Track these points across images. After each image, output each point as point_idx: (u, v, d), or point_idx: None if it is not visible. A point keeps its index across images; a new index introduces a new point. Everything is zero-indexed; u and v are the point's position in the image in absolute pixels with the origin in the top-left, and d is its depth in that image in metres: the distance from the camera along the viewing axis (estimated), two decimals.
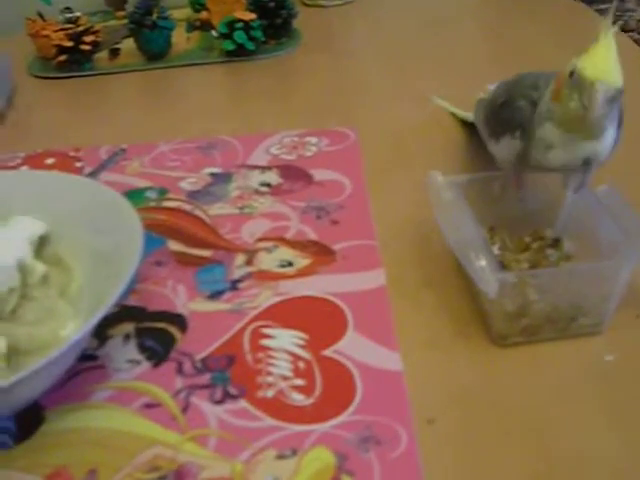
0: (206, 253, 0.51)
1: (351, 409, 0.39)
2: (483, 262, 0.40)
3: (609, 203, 0.45)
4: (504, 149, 0.48)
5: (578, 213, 0.47)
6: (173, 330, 0.45)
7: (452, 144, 0.64)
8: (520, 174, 0.48)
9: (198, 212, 0.56)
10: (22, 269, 0.43)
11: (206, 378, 0.41)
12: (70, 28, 0.84)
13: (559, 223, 0.48)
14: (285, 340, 0.43)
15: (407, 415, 0.38)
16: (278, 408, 0.39)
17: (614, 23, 0.41)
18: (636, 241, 0.42)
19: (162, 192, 0.59)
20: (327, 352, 0.42)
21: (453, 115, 0.68)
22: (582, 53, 0.42)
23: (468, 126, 0.64)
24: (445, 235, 0.44)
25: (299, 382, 0.41)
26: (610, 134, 0.43)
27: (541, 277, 0.42)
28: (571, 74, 0.41)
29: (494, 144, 0.50)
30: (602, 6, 0.97)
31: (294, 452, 0.37)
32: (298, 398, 0.40)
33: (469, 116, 0.63)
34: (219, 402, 0.40)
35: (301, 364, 0.42)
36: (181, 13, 0.98)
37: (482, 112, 0.55)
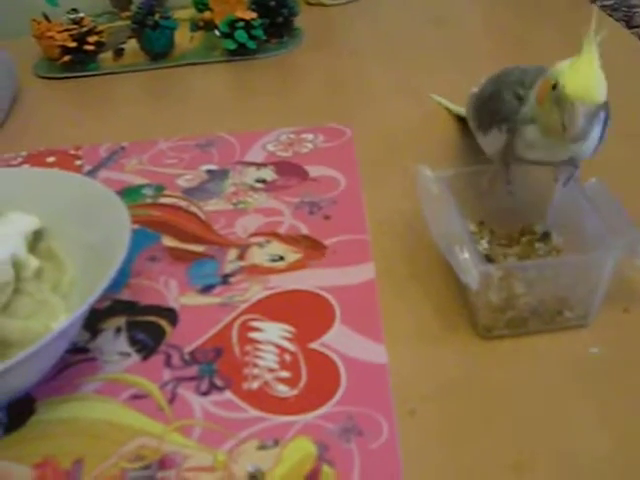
0: (199, 248, 0.52)
1: (334, 400, 0.39)
2: (466, 254, 0.40)
3: (596, 197, 0.45)
4: (492, 142, 0.48)
5: (566, 207, 0.47)
6: (163, 323, 0.46)
7: (447, 140, 0.65)
8: (508, 167, 0.48)
9: (193, 208, 0.57)
10: (16, 264, 0.44)
11: (193, 370, 0.42)
12: (74, 29, 0.85)
13: (549, 217, 0.48)
14: (273, 333, 0.44)
15: (389, 406, 0.39)
16: (262, 399, 0.40)
17: (597, 34, 0.41)
18: (620, 234, 0.41)
19: (159, 189, 0.59)
20: (313, 345, 0.43)
21: (449, 111, 0.68)
22: (566, 62, 0.41)
23: (463, 121, 0.64)
24: (431, 228, 0.45)
25: (284, 374, 0.41)
26: (594, 135, 0.43)
27: (525, 270, 0.42)
28: (554, 87, 0.41)
29: (482, 137, 0.50)
30: (606, 2, 0.96)
31: (276, 442, 0.37)
32: (283, 390, 0.40)
33: (463, 111, 0.63)
34: (205, 393, 0.40)
35: (287, 357, 0.42)
36: (185, 13, 0.99)
37: (472, 105, 0.55)
